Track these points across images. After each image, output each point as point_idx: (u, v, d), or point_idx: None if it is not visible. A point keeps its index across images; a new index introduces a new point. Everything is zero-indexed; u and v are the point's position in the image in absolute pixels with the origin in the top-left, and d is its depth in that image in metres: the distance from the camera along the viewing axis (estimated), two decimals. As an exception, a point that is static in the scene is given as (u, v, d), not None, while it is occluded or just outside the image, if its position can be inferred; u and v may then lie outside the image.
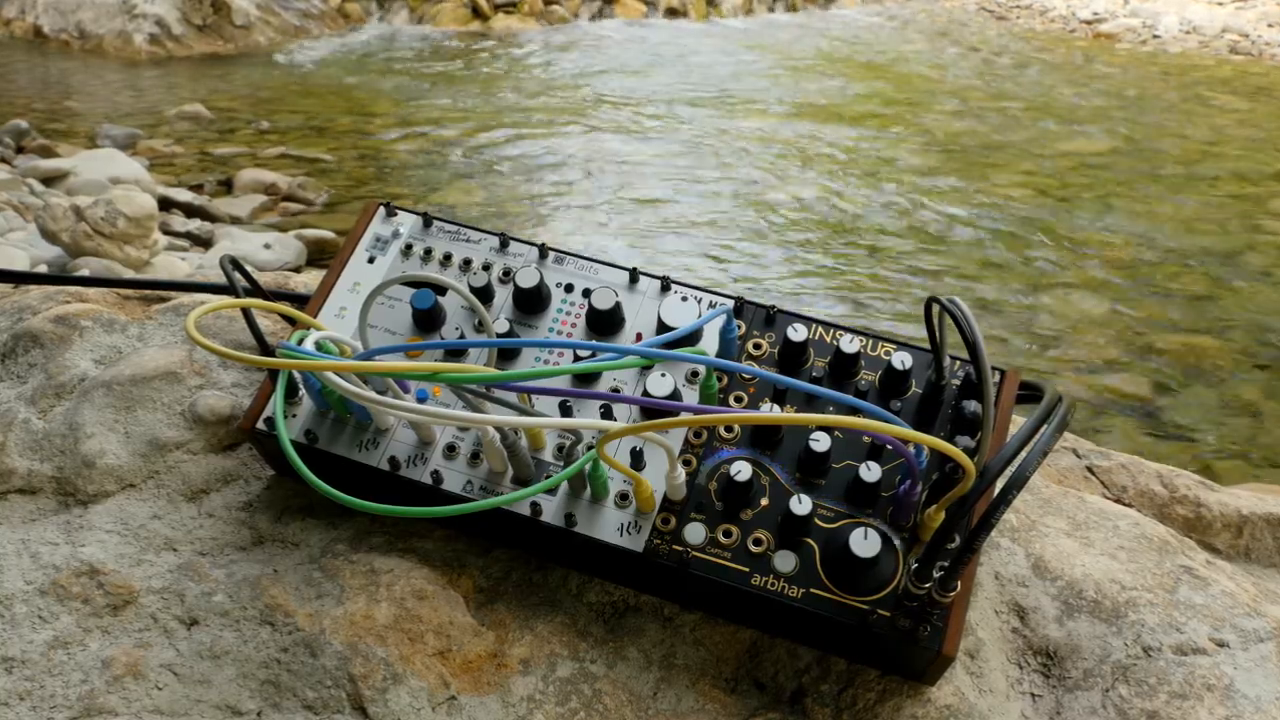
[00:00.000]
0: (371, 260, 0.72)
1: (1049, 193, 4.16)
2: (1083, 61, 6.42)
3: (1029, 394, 0.66)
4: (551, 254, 0.71)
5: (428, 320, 0.68)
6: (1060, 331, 3.07)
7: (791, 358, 0.65)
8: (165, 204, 3.65)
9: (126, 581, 0.64)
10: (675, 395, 0.62)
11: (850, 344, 0.63)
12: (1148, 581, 0.64)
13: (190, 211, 3.71)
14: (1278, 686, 0.58)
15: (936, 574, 0.53)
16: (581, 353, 0.63)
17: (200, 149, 4.51)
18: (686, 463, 0.62)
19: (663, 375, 0.62)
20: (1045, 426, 0.50)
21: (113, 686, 0.59)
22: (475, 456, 0.63)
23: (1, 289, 0.90)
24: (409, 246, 0.72)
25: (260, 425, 0.66)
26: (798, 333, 0.64)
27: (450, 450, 0.63)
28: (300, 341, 0.58)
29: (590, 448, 0.61)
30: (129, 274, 2.99)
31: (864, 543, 0.55)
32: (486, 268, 0.71)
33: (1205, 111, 5.35)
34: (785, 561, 0.58)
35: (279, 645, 0.60)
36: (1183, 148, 4.73)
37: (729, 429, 0.63)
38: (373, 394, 0.55)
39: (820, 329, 0.67)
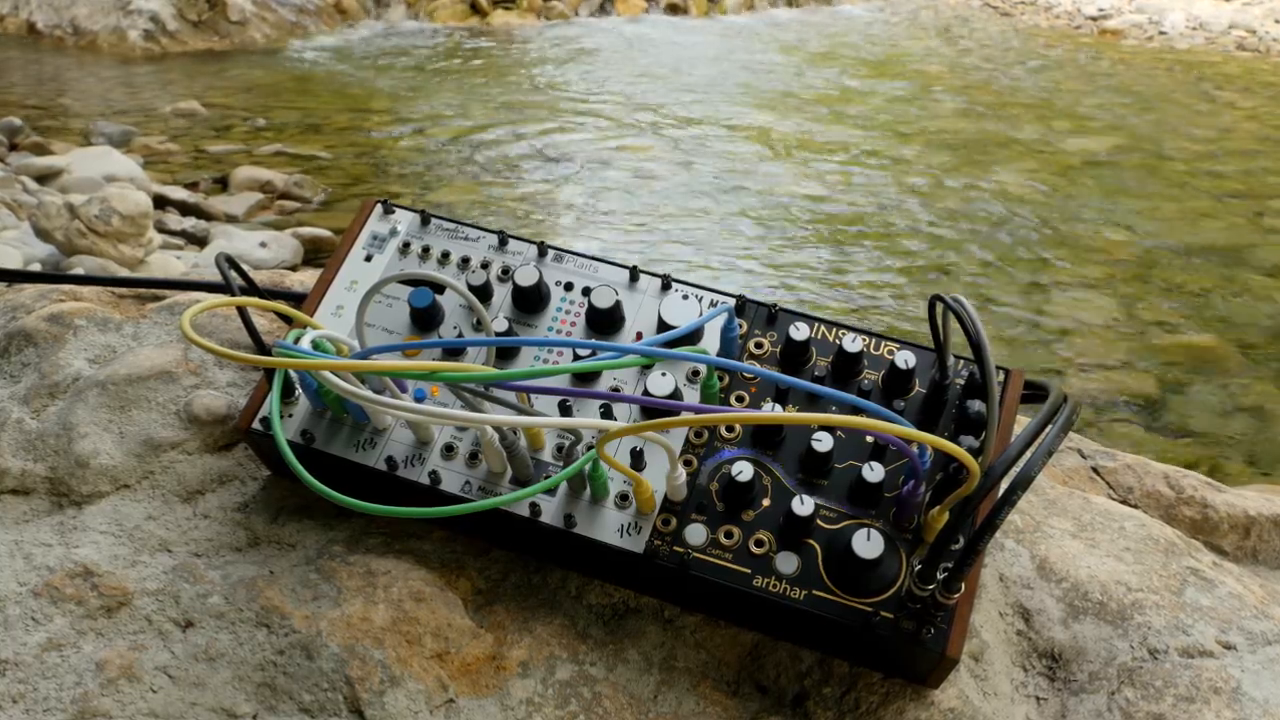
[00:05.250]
0: (369, 258, 0.71)
1: (1054, 190, 4.16)
2: (1088, 58, 6.42)
3: (1034, 393, 0.65)
4: (551, 252, 0.71)
5: (425, 319, 0.67)
6: (1065, 330, 3.07)
7: (794, 357, 0.64)
8: (160, 202, 3.63)
9: (121, 583, 0.63)
10: (676, 395, 0.61)
11: (853, 343, 0.63)
12: (1154, 583, 0.64)
13: (185, 209, 3.70)
14: (1284, 689, 0.58)
15: (940, 575, 0.53)
16: (581, 351, 0.63)
17: (196, 146, 4.49)
18: (687, 463, 0.61)
19: (663, 374, 0.61)
20: (1050, 426, 0.49)
21: (107, 689, 0.58)
22: (473, 456, 0.63)
23: (-6, 287, 0.90)
24: (406, 244, 0.72)
25: (256, 425, 0.65)
26: (800, 331, 0.63)
27: (448, 450, 0.63)
28: (297, 340, 0.58)
29: (590, 448, 0.60)
30: (123, 272, 2.98)
31: (867, 544, 0.55)
32: (485, 266, 0.70)
33: (1212, 108, 5.35)
34: (787, 563, 0.57)
35: (275, 647, 0.59)
36: (1189, 145, 4.73)
37: (730, 429, 0.62)
38: (370, 393, 0.54)
39: (822, 328, 0.66)
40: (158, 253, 3.21)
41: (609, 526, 0.59)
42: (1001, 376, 0.63)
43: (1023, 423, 0.70)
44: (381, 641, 0.59)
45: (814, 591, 0.56)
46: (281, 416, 0.64)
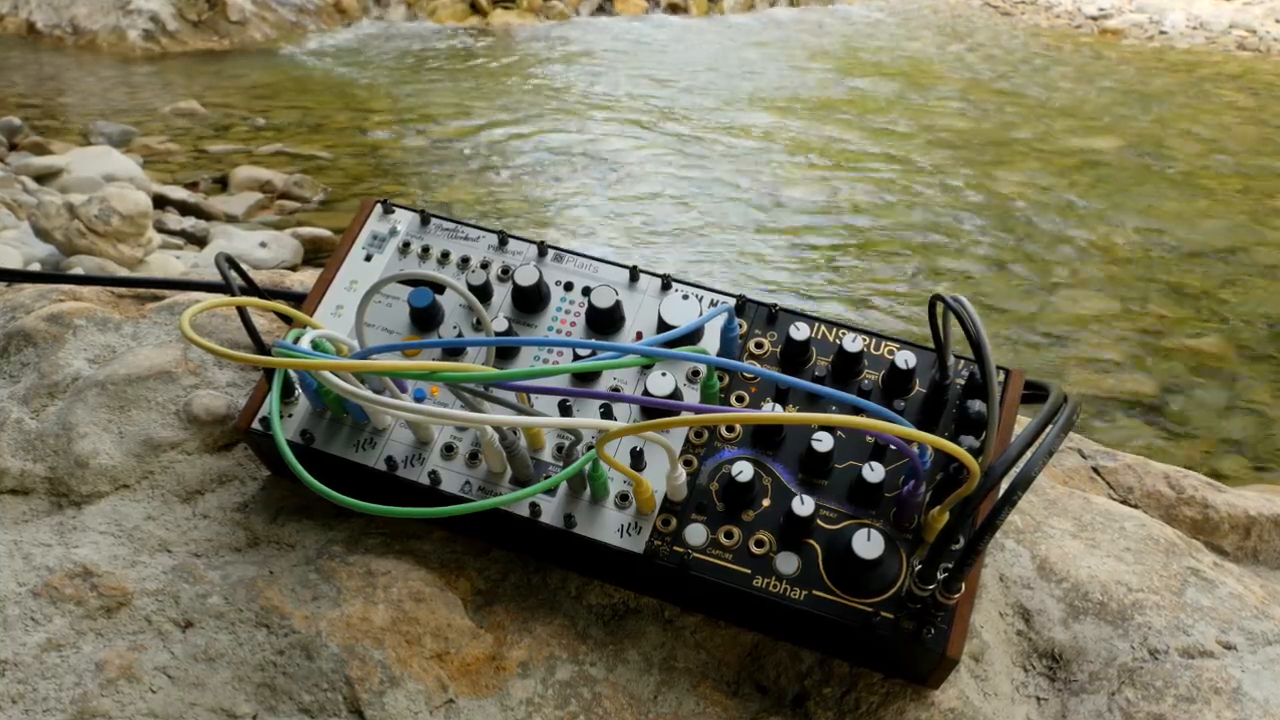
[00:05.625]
0: (368, 258, 0.71)
1: (1055, 190, 4.16)
2: (1089, 58, 6.41)
3: (1034, 393, 0.65)
4: (551, 252, 0.71)
5: (425, 319, 0.67)
6: (1066, 330, 3.06)
7: (794, 357, 0.64)
8: (160, 202, 3.63)
9: (120, 583, 0.63)
10: (676, 394, 0.61)
11: (853, 343, 0.63)
12: (1154, 583, 0.64)
13: (185, 209, 3.69)
14: (1285, 689, 0.58)
15: (940, 575, 0.53)
16: (581, 351, 0.62)
17: (195, 146, 4.48)
18: (687, 463, 0.61)
19: (663, 374, 0.61)
20: (1050, 426, 0.49)
21: (106, 689, 0.58)
22: (473, 457, 0.62)
23: (-6, 287, 0.89)
24: (406, 244, 0.72)
25: (256, 425, 0.65)
26: (800, 331, 0.63)
27: (448, 450, 0.63)
28: (296, 340, 0.58)
29: (590, 448, 0.60)
30: (123, 272, 2.98)
31: (867, 544, 0.55)
32: (485, 265, 0.70)
33: (1212, 108, 5.35)
34: (787, 563, 0.57)
35: (275, 648, 0.59)
36: (1190, 144, 4.72)
37: (730, 429, 0.62)
38: (369, 393, 0.54)
39: (823, 327, 0.66)
40: (157, 252, 3.21)
41: (609, 526, 0.59)
42: (1002, 376, 0.63)
43: (1023, 423, 0.70)
44: (381, 642, 0.59)
45: (814, 592, 0.56)
46: (281, 416, 0.64)
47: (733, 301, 0.67)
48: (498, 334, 0.65)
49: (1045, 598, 0.63)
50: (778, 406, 0.62)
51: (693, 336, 0.65)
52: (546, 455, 0.63)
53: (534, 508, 0.60)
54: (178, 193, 3.81)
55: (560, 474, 0.57)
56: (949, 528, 0.51)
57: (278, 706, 0.57)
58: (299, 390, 0.65)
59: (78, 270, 2.89)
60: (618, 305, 0.66)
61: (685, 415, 0.55)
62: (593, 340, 0.66)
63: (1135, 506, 0.73)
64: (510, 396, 0.60)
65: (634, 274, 0.69)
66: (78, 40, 6.03)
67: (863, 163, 4.47)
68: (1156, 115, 5.19)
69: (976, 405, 0.60)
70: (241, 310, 0.69)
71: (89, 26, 6.04)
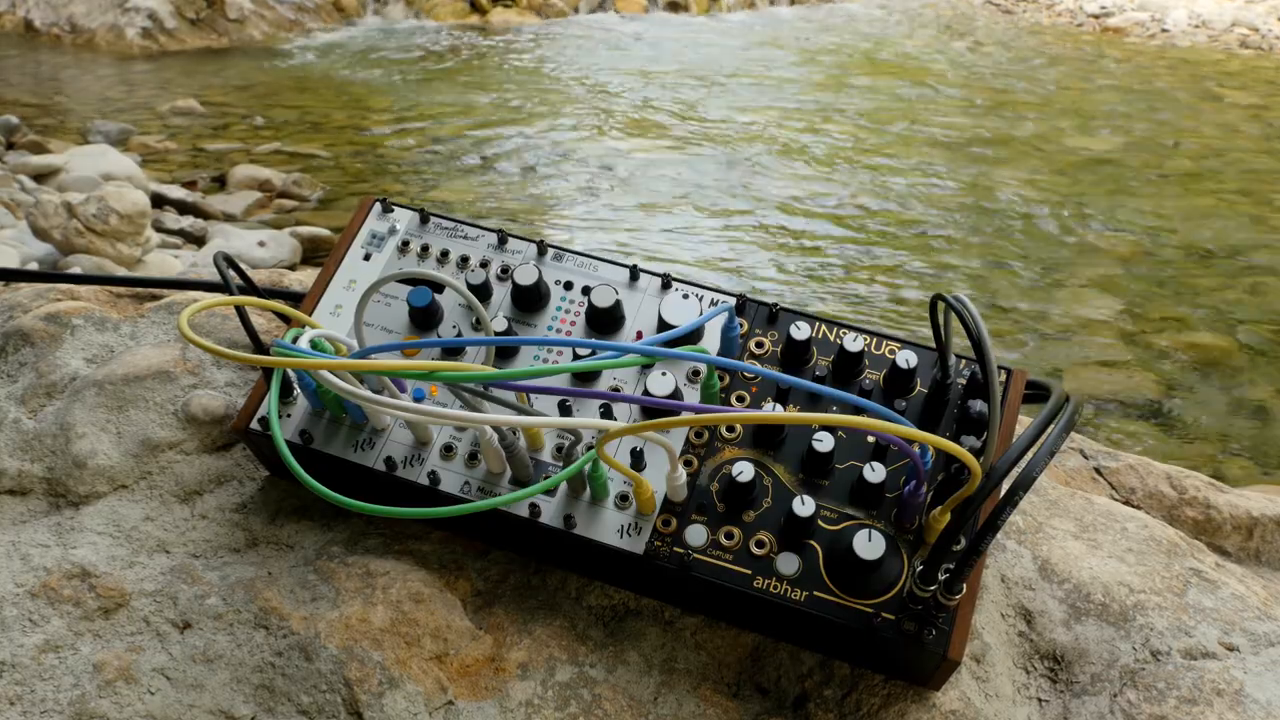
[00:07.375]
0: (367, 257, 0.71)
1: (1056, 189, 4.15)
2: (1090, 56, 6.41)
3: (1036, 393, 0.65)
4: (550, 251, 0.70)
5: (424, 318, 0.67)
6: (1068, 330, 3.06)
7: (794, 356, 0.64)
8: (158, 201, 3.63)
9: (118, 584, 0.63)
10: (676, 394, 0.61)
11: (854, 342, 0.63)
12: (1156, 584, 0.63)
13: (183, 208, 3.69)
14: (1287, 690, 0.58)
15: (942, 576, 0.52)
16: (581, 351, 0.62)
17: (194, 145, 4.48)
18: (688, 463, 0.61)
19: (663, 374, 0.61)
20: (1052, 426, 0.49)
21: (104, 691, 0.58)
22: (473, 457, 0.62)
23: (-9, 286, 0.89)
24: (405, 243, 0.71)
25: (254, 425, 0.65)
26: (801, 331, 0.63)
27: (447, 450, 0.62)
28: (295, 339, 0.57)
29: (590, 448, 0.60)
30: (121, 271, 2.97)
31: (868, 545, 0.54)
32: (484, 265, 0.70)
33: (1215, 106, 5.34)
34: (788, 564, 0.57)
35: (273, 649, 0.59)
36: (1192, 143, 4.72)
37: (731, 429, 0.62)
38: (368, 393, 0.54)
39: (824, 327, 0.66)
40: (155, 252, 3.20)
41: (609, 527, 0.59)
42: (1003, 376, 0.63)
43: (1025, 423, 0.70)
44: (380, 643, 0.59)
45: (815, 593, 0.56)
46: (280, 416, 0.64)
47: (733, 301, 0.67)
48: (497, 333, 0.65)
49: (1047, 599, 0.63)
50: (778, 406, 0.61)
51: (693, 336, 0.65)
52: (546, 455, 0.62)
53: (533, 508, 0.60)
54: (176, 191, 3.81)
55: (560, 474, 0.57)
56: (950, 528, 0.51)
57: (276, 708, 0.57)
58: (297, 390, 0.65)
59: (75, 269, 2.89)
60: (618, 304, 0.66)
61: (685, 415, 0.55)
62: (593, 340, 0.65)
63: (1137, 507, 0.73)
64: (510, 396, 0.60)
65: (634, 273, 0.69)
66: (75, 38, 6.02)
67: (862, 161, 4.46)
68: (1158, 113, 5.19)
69: (978, 405, 0.60)
70: (240, 309, 0.68)
71: (87, 24, 6.03)
